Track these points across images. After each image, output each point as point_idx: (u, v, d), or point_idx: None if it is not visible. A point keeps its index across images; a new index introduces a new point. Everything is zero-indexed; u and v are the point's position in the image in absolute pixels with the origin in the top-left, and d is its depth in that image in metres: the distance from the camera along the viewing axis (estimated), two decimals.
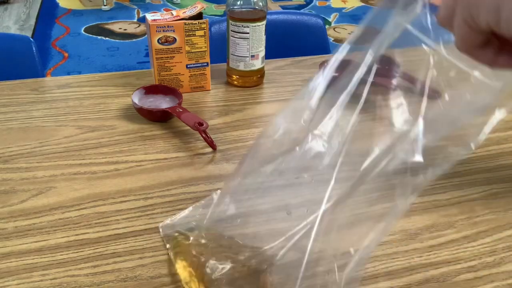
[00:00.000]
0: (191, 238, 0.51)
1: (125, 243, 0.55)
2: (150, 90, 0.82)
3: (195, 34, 0.82)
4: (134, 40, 2.98)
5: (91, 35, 3.02)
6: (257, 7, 0.83)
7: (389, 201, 0.40)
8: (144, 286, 0.50)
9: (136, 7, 3.53)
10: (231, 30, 0.85)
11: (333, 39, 3.06)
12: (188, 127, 0.74)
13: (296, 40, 1.27)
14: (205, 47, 0.84)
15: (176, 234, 0.54)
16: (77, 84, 0.89)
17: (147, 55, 2.78)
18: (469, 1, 0.32)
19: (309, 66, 0.99)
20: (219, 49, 1.07)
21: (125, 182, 0.64)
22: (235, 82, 0.91)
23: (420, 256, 0.54)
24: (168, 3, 3.63)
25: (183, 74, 0.86)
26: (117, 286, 0.50)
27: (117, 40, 2.97)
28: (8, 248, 0.54)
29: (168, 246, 0.54)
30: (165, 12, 0.85)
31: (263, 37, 0.86)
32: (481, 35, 0.33)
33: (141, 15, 3.38)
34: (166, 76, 0.85)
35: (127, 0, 3.65)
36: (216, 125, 0.78)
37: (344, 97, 0.43)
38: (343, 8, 3.66)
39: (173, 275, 0.51)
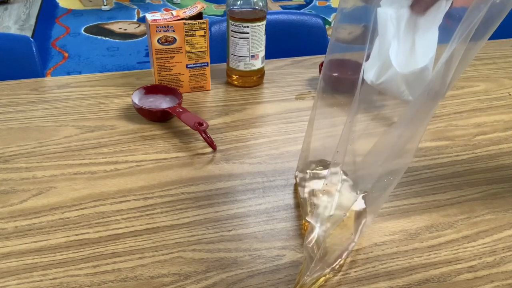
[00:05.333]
0: None
1: (125, 243, 0.55)
2: (150, 90, 0.82)
3: (195, 34, 0.82)
4: (134, 40, 2.98)
5: (91, 35, 3.02)
6: (257, 7, 0.83)
7: None
8: (144, 286, 0.50)
9: (136, 7, 3.53)
10: (231, 30, 0.85)
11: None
12: (188, 127, 0.74)
13: (296, 40, 1.27)
14: (205, 47, 0.84)
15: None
16: (77, 84, 0.89)
17: (147, 55, 2.78)
18: None
19: (309, 66, 0.99)
20: (219, 49, 1.07)
21: (125, 182, 0.64)
22: (235, 82, 0.91)
23: (420, 256, 0.54)
24: (168, 3, 3.63)
25: (183, 74, 0.86)
26: (117, 286, 0.50)
27: (117, 40, 2.97)
28: (8, 248, 0.54)
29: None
30: (165, 12, 0.85)
31: (263, 37, 0.86)
32: None
33: (141, 15, 3.38)
34: (166, 76, 0.85)
35: (127, 0, 3.65)
36: (216, 125, 0.78)
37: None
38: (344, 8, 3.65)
39: (173, 275, 0.51)
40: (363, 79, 0.47)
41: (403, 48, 0.43)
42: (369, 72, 0.46)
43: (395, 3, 0.43)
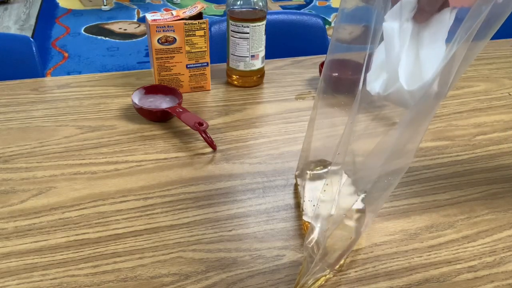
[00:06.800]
0: None
1: (125, 243, 0.55)
2: (150, 90, 0.82)
3: (195, 34, 0.82)
4: (134, 40, 2.98)
5: (91, 35, 3.02)
6: (257, 7, 0.83)
7: None
8: (144, 286, 0.50)
9: (136, 7, 3.53)
10: (231, 30, 0.85)
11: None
12: (188, 127, 0.74)
13: (296, 40, 1.27)
14: (205, 47, 0.84)
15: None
16: (77, 84, 0.89)
17: (147, 55, 2.78)
18: None
19: (309, 66, 0.99)
20: (219, 49, 1.07)
21: (125, 182, 0.64)
22: (235, 82, 0.91)
23: (420, 256, 0.54)
24: (168, 3, 3.63)
25: (183, 74, 0.86)
26: (117, 286, 0.50)
27: (117, 40, 2.97)
28: (8, 248, 0.54)
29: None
30: (165, 12, 0.85)
31: (263, 37, 0.86)
32: None
33: (141, 15, 3.38)
34: (166, 76, 0.85)
35: (127, 0, 3.65)
36: (216, 125, 0.78)
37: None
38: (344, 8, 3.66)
39: (173, 275, 0.51)
40: (364, 80, 0.47)
41: (408, 62, 0.43)
42: (373, 83, 0.46)
43: (400, 17, 0.43)
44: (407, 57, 0.43)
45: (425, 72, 0.42)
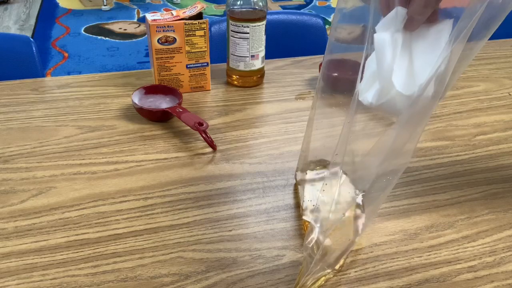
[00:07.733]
0: None
1: (125, 243, 0.55)
2: (150, 90, 0.82)
3: (195, 34, 0.82)
4: (134, 40, 2.98)
5: (91, 35, 3.02)
6: (257, 7, 0.83)
7: None
8: (144, 286, 0.50)
9: (136, 7, 3.53)
10: (231, 30, 0.85)
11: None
12: (188, 127, 0.74)
13: (296, 40, 1.27)
14: (205, 47, 0.84)
15: None
16: (77, 84, 0.89)
17: (147, 55, 2.78)
18: None
19: (309, 66, 0.99)
20: (219, 49, 1.08)
21: (125, 182, 0.64)
22: (235, 82, 0.91)
23: (420, 256, 0.54)
24: (168, 3, 3.63)
25: (183, 74, 0.86)
26: (117, 286, 0.50)
27: (117, 40, 2.97)
28: (8, 248, 0.54)
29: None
30: (165, 12, 0.85)
31: (263, 37, 0.86)
32: None
33: (141, 15, 3.38)
34: (166, 76, 0.85)
35: (127, 0, 3.65)
36: (216, 125, 0.78)
37: None
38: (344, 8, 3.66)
39: (173, 275, 0.51)
40: (362, 79, 0.47)
41: (401, 72, 0.43)
42: (365, 94, 0.46)
43: (391, 27, 0.43)
44: (399, 68, 0.43)
45: (419, 80, 0.42)
